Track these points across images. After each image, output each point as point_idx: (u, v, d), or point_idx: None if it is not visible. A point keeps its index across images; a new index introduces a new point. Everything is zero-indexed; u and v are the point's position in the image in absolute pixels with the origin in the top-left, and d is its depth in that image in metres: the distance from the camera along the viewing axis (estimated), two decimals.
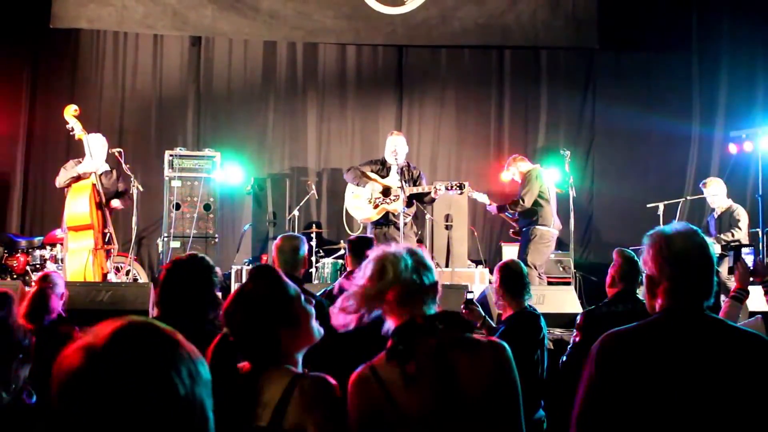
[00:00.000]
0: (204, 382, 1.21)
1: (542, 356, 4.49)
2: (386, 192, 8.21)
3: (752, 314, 4.86)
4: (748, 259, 4.13)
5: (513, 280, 4.51)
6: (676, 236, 2.28)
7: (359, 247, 4.90)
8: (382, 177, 8.30)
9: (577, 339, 4.42)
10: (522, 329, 4.37)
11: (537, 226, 8.29)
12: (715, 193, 8.87)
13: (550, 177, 8.86)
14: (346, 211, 8.61)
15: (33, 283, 4.68)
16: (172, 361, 1.19)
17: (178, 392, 1.16)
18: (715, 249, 7.91)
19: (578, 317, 4.58)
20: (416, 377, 2.22)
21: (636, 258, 4.39)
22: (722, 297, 7.21)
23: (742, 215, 8.66)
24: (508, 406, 2.31)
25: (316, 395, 2.17)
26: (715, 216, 8.91)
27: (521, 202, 8.27)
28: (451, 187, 8.13)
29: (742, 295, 3.92)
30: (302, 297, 2.36)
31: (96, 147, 8.05)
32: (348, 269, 4.95)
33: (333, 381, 2.24)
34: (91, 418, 1.13)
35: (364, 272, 2.40)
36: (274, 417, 2.13)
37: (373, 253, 2.42)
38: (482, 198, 8.64)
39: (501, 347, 2.35)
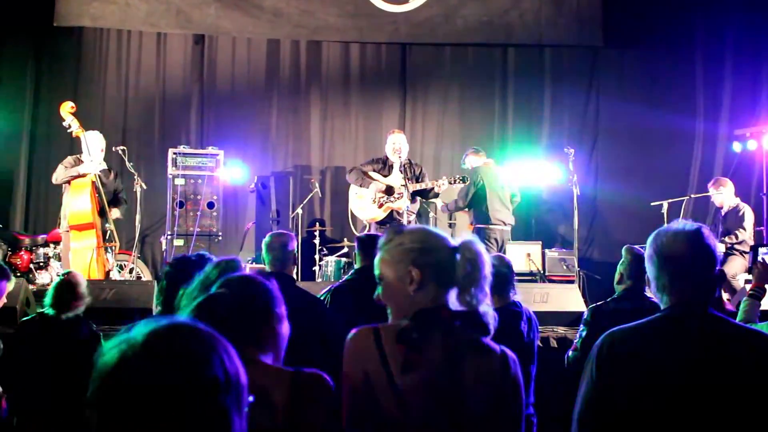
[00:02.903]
0: (234, 387, 1.22)
1: (529, 353, 4.42)
2: (389, 191, 8.21)
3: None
4: (767, 259, 4.16)
5: (496, 276, 4.49)
6: (676, 235, 2.27)
7: (369, 244, 4.89)
8: (384, 176, 8.30)
9: (584, 334, 4.42)
10: (502, 325, 4.34)
11: (477, 225, 8.49)
12: (722, 192, 8.83)
13: (497, 172, 8.82)
14: (351, 212, 8.61)
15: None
16: (207, 361, 1.19)
17: (208, 393, 1.18)
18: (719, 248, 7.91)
19: (585, 312, 4.58)
20: (415, 367, 2.15)
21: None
22: (726, 296, 7.22)
23: (748, 214, 8.63)
24: (507, 421, 2.22)
25: (317, 392, 2.16)
26: (722, 214, 8.88)
27: (456, 201, 8.62)
28: (454, 180, 8.17)
29: (759, 293, 3.94)
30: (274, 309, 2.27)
31: (93, 145, 8.04)
32: (356, 266, 4.92)
33: (327, 377, 2.21)
34: (126, 413, 1.14)
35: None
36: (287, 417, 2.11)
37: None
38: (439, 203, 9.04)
39: (512, 360, 2.25)
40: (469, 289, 2.23)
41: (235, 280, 2.31)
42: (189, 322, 1.25)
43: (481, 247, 2.29)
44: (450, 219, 9.90)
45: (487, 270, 2.27)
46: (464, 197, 8.51)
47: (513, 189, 8.88)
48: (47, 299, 4.72)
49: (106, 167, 8.27)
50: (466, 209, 8.76)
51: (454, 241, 2.28)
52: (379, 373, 2.15)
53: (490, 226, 8.36)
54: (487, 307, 2.25)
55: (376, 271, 2.33)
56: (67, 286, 4.71)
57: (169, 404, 1.14)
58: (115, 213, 8.17)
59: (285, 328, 2.31)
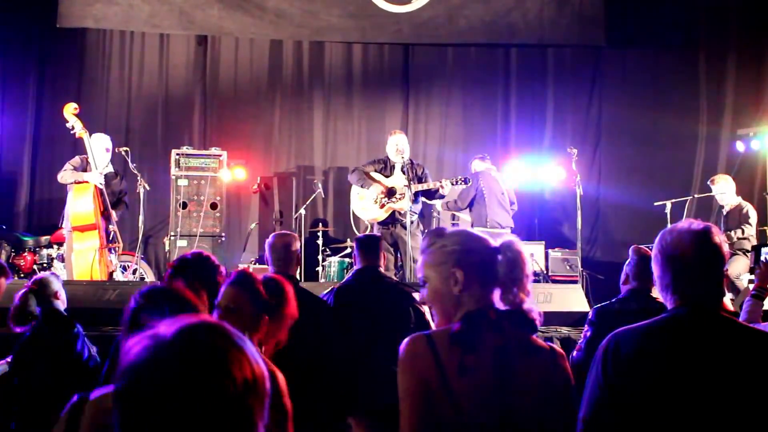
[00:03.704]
0: (260, 388, 1.22)
1: None
2: (391, 192, 8.20)
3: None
4: None
5: None
6: (682, 234, 2.26)
7: (368, 245, 4.89)
8: (386, 176, 8.30)
9: (589, 334, 4.40)
10: None
11: (475, 226, 8.68)
12: (723, 191, 8.84)
13: (498, 178, 9.03)
14: (353, 213, 8.60)
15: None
16: (228, 362, 1.19)
17: (235, 392, 1.17)
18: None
19: (590, 312, 4.56)
20: (471, 369, 2.16)
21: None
22: (729, 295, 7.21)
23: (751, 213, 8.62)
24: (561, 416, 2.23)
25: None
26: (724, 213, 8.87)
27: (456, 202, 8.97)
28: (457, 181, 8.17)
29: (762, 293, 3.92)
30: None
31: (99, 148, 8.05)
32: (357, 267, 4.92)
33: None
34: (152, 410, 1.15)
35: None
36: None
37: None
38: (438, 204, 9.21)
39: (560, 355, 2.28)
40: (512, 288, 2.26)
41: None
42: (216, 321, 1.25)
43: (521, 246, 2.32)
44: (453, 220, 9.90)
45: (529, 269, 2.31)
46: (464, 199, 8.84)
47: (512, 197, 9.12)
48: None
49: (111, 169, 8.27)
50: (468, 210, 8.97)
51: (495, 242, 2.31)
52: (435, 378, 2.15)
53: (487, 229, 8.41)
54: (531, 305, 2.28)
55: (419, 274, 2.35)
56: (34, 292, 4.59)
57: (196, 403, 1.14)
58: (114, 215, 8.18)
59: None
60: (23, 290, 4.42)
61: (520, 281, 2.26)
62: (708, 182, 9.19)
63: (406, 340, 2.24)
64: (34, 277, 4.61)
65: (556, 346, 2.32)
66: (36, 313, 4.39)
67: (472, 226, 8.72)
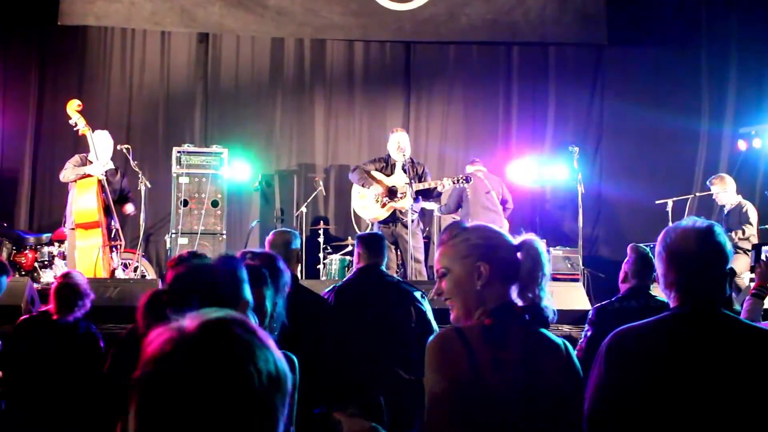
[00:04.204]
0: (283, 385, 1.21)
1: None
2: (392, 190, 8.19)
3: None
4: None
5: None
6: (686, 232, 2.26)
7: (371, 243, 4.88)
8: (387, 175, 8.29)
9: (589, 334, 4.41)
10: None
11: None
12: (721, 191, 8.80)
13: (479, 177, 9.10)
14: (354, 212, 8.60)
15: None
16: (253, 356, 1.18)
17: (252, 386, 1.16)
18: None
19: (590, 312, 4.56)
20: (503, 364, 2.16)
21: (650, 254, 4.37)
22: (732, 294, 7.20)
23: (751, 213, 8.60)
24: (578, 407, 2.25)
25: None
26: (725, 212, 8.86)
27: (447, 205, 9.19)
28: (457, 180, 8.15)
29: (763, 292, 3.92)
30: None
31: (101, 145, 8.06)
32: (359, 265, 4.90)
33: None
34: (173, 403, 1.13)
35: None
36: None
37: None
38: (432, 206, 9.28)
39: (570, 348, 2.29)
40: (531, 286, 2.25)
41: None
42: (240, 316, 1.23)
43: (541, 245, 2.33)
44: (454, 217, 9.88)
45: (548, 268, 2.31)
46: (451, 203, 9.07)
47: (506, 195, 9.30)
48: (52, 304, 4.72)
49: (113, 167, 8.28)
50: (457, 212, 9.13)
51: (515, 240, 2.33)
52: (468, 374, 2.13)
53: None
54: (548, 302, 2.28)
55: (438, 265, 2.33)
56: (67, 288, 4.70)
57: (218, 397, 1.13)
58: (129, 208, 8.24)
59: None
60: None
61: (539, 279, 2.26)
62: (707, 182, 9.18)
63: (435, 335, 2.24)
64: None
65: (567, 342, 2.33)
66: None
67: None
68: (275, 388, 1.19)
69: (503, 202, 9.16)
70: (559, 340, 2.28)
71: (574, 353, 2.28)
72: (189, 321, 1.19)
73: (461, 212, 8.97)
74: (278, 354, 1.22)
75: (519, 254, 2.27)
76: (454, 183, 8.18)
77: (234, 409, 1.14)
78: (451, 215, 9.30)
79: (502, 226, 8.87)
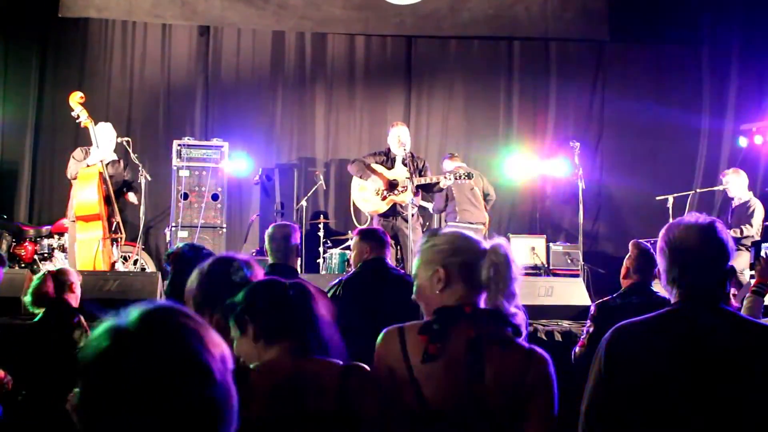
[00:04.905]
0: (222, 377, 1.19)
1: None
2: (393, 184, 8.18)
3: None
4: None
5: None
6: (689, 228, 2.26)
7: (374, 236, 4.87)
8: (388, 169, 8.28)
9: (591, 329, 4.41)
10: None
11: (447, 222, 9.04)
12: (734, 183, 8.69)
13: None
14: (354, 203, 8.59)
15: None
16: (206, 345, 1.17)
17: (214, 377, 1.15)
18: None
19: (591, 308, 4.57)
20: (435, 358, 2.22)
21: (651, 250, 4.37)
22: (733, 290, 7.19)
23: (757, 212, 8.51)
24: (535, 415, 2.25)
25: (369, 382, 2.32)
26: (732, 206, 8.79)
27: (437, 204, 9.20)
28: (459, 176, 8.13)
29: (762, 289, 3.92)
30: None
31: (103, 136, 8.06)
32: (365, 257, 4.87)
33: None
34: (121, 399, 1.11)
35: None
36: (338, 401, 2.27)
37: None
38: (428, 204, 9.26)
39: (540, 357, 2.28)
40: (494, 290, 2.29)
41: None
42: (178, 307, 1.22)
43: (509, 249, 2.35)
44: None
45: (516, 272, 2.32)
46: (438, 202, 9.15)
47: (488, 189, 9.36)
48: (27, 297, 4.68)
49: (116, 158, 8.29)
50: (445, 211, 9.18)
51: (486, 244, 2.35)
52: (400, 367, 2.25)
53: (459, 224, 8.69)
54: (515, 310, 2.30)
55: (413, 272, 2.43)
56: (53, 277, 4.66)
57: (160, 390, 1.11)
58: (131, 196, 8.23)
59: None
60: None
61: (504, 284, 2.29)
62: (721, 174, 9.15)
63: (382, 331, 2.34)
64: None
65: (541, 350, 2.30)
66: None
67: (446, 222, 9.04)
68: (213, 380, 1.16)
69: (485, 196, 9.22)
70: (526, 347, 2.27)
71: (543, 363, 2.26)
72: (126, 316, 1.17)
73: (448, 209, 9.06)
74: (216, 345, 1.20)
75: (483, 260, 2.30)
76: (456, 178, 8.17)
77: (175, 403, 1.12)
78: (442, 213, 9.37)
79: (485, 222, 8.98)
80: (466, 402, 2.20)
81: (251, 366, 2.32)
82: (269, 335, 2.33)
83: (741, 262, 8.18)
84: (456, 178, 8.17)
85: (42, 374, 4.32)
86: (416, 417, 2.21)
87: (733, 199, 8.84)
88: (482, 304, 2.30)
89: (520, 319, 2.29)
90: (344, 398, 2.27)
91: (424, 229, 9.28)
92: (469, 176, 8.19)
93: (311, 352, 2.34)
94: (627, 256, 4.52)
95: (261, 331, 2.33)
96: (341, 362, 2.35)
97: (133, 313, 1.17)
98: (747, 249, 8.25)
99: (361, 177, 8.25)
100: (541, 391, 2.24)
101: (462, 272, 2.30)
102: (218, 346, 1.19)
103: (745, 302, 3.94)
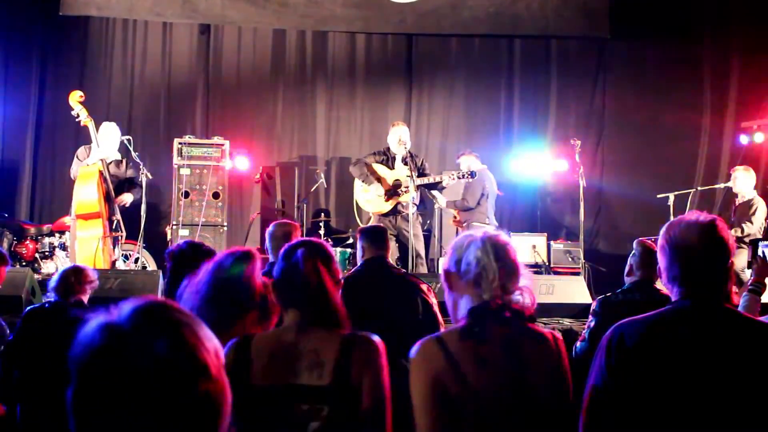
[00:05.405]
0: (216, 372, 1.18)
1: None
2: (396, 185, 8.19)
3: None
4: (767, 252, 4.11)
5: None
6: (689, 226, 2.26)
7: (375, 235, 4.87)
8: (389, 169, 8.29)
9: (592, 324, 4.42)
10: None
11: (475, 222, 8.70)
12: (742, 179, 8.63)
13: (490, 175, 9.11)
14: (357, 204, 8.59)
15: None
16: (200, 339, 1.17)
17: (210, 371, 1.15)
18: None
19: (594, 303, 4.57)
20: (488, 360, 2.22)
21: (655, 249, 4.37)
22: (734, 289, 7.18)
23: (759, 212, 8.46)
24: (564, 397, 2.32)
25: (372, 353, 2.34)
26: (736, 203, 8.75)
27: (466, 200, 8.80)
28: (462, 176, 8.15)
29: (759, 288, 3.90)
30: None
31: (106, 136, 8.07)
32: (364, 258, 4.88)
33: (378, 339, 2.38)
34: (116, 396, 1.11)
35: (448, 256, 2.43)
36: (336, 375, 2.29)
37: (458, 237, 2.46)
38: (442, 201, 8.96)
39: (561, 340, 2.36)
40: (497, 280, 2.30)
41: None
42: (170, 302, 1.21)
43: (506, 238, 2.38)
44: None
45: (514, 257, 2.35)
46: (473, 197, 8.77)
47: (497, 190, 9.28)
48: (53, 284, 4.68)
49: (119, 158, 8.30)
50: (476, 208, 8.85)
51: (480, 235, 2.38)
52: (450, 376, 2.20)
53: (487, 227, 8.52)
54: (519, 296, 2.33)
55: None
56: (73, 271, 4.68)
57: (156, 387, 1.10)
58: (124, 198, 8.19)
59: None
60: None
61: (506, 273, 2.31)
62: (731, 170, 9.12)
63: (416, 345, 2.28)
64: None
65: (556, 332, 2.39)
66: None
67: (466, 223, 8.79)
68: (209, 374, 1.16)
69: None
70: (547, 332, 2.35)
71: (563, 344, 2.34)
72: (118, 312, 1.17)
73: (479, 209, 8.78)
74: (210, 339, 1.19)
75: (479, 252, 2.32)
76: (460, 177, 8.17)
77: (169, 398, 1.11)
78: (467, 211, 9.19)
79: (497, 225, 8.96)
80: (516, 399, 2.22)
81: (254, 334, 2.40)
82: (283, 304, 2.45)
83: (742, 260, 8.16)
84: (459, 177, 8.18)
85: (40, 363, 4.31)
86: (473, 422, 2.19)
87: (736, 195, 8.82)
88: (492, 296, 2.31)
89: (528, 302, 2.31)
90: (342, 371, 2.29)
91: (426, 228, 9.29)
92: (472, 175, 8.19)
93: (317, 323, 2.38)
94: (631, 254, 4.53)
95: (279, 300, 2.46)
96: (347, 332, 2.38)
97: (125, 308, 1.17)
98: (748, 246, 8.22)
99: (364, 182, 8.26)
100: (567, 371, 2.33)
101: (463, 270, 2.34)
102: (211, 340, 1.18)
103: (741, 301, 3.93)
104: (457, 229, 9.11)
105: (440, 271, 2.44)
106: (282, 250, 2.52)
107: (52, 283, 4.59)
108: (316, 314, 2.39)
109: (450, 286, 2.37)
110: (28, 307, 4.81)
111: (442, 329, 4.69)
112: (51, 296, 4.72)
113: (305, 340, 2.35)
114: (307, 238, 2.60)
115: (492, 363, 2.21)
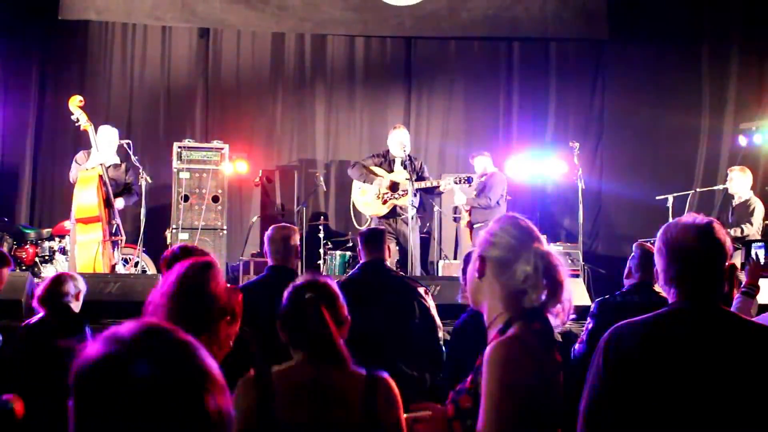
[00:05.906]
0: (220, 390, 1.18)
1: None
2: (394, 187, 8.20)
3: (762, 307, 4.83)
4: (760, 254, 4.12)
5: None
6: (686, 228, 2.27)
7: (374, 238, 4.87)
8: (387, 171, 8.30)
9: (590, 326, 4.43)
10: None
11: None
12: (738, 180, 8.63)
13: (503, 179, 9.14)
14: (354, 206, 8.60)
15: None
16: (204, 356, 1.18)
17: (216, 385, 1.16)
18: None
19: (592, 305, 4.58)
20: (554, 363, 2.23)
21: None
22: (736, 292, 7.17)
23: (757, 212, 8.45)
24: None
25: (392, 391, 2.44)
26: (732, 204, 8.75)
27: (489, 198, 8.73)
28: (460, 180, 8.15)
29: (752, 290, 3.91)
30: None
31: (104, 139, 8.08)
32: (362, 260, 4.89)
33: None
34: (122, 411, 1.11)
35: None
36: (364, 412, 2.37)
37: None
38: (461, 198, 8.91)
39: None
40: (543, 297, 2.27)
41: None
42: (170, 327, 1.21)
43: (512, 224, 2.38)
44: (455, 213, 9.87)
45: (524, 247, 2.33)
46: (498, 198, 8.76)
47: None
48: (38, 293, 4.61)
49: (118, 161, 8.30)
50: (495, 207, 8.80)
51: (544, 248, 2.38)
52: (536, 377, 2.15)
53: None
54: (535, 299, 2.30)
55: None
56: (57, 279, 4.61)
57: (158, 403, 1.10)
58: (119, 202, 8.16)
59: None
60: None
61: (517, 263, 2.29)
62: (728, 170, 9.12)
63: (493, 345, 2.17)
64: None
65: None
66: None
67: (484, 224, 8.72)
68: (213, 392, 1.16)
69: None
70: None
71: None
72: (123, 329, 1.17)
73: (499, 209, 8.72)
74: (210, 360, 1.20)
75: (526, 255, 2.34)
76: (456, 183, 8.18)
77: (172, 416, 1.11)
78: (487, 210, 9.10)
79: None
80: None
81: (273, 369, 2.43)
82: (290, 343, 2.51)
83: (739, 261, 8.14)
84: (456, 183, 8.18)
85: (34, 379, 4.28)
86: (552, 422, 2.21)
87: (733, 197, 8.81)
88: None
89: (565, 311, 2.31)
90: (370, 411, 2.38)
91: (424, 231, 9.28)
92: (469, 181, 8.19)
93: (324, 361, 2.44)
94: (631, 256, 4.54)
95: (285, 339, 2.51)
96: (363, 371, 2.45)
97: (130, 325, 1.17)
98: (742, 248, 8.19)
99: (364, 181, 8.27)
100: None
101: (498, 267, 2.35)
102: (211, 357, 1.19)
103: (734, 303, 3.92)
104: (470, 231, 9.00)
105: (474, 256, 2.35)
106: (288, 290, 2.56)
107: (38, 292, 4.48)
108: (322, 355, 2.45)
109: (481, 273, 2.30)
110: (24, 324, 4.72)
111: (440, 333, 4.70)
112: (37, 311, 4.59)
113: (323, 377, 2.41)
114: (312, 277, 2.63)
115: (556, 368, 2.23)
